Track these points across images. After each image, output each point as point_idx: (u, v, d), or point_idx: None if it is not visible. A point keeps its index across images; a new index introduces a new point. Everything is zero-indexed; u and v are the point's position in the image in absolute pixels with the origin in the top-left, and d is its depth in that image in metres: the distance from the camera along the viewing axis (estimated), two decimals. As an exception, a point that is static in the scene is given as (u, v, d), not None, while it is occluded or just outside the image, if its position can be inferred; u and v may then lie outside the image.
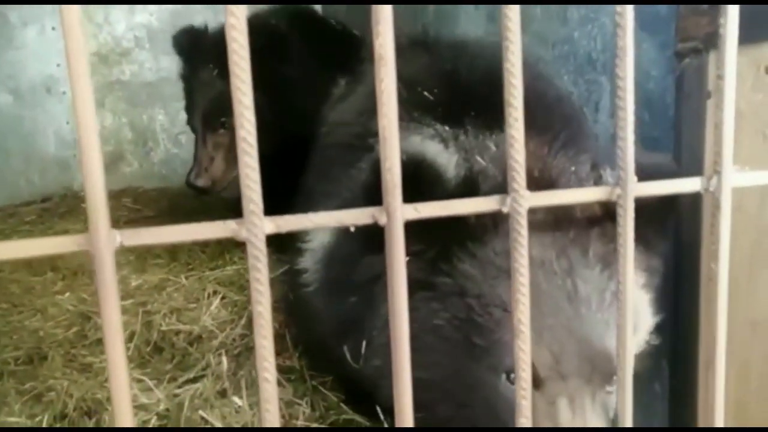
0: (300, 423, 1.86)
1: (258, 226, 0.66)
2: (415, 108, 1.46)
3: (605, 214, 1.19)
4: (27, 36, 4.37)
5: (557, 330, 1.15)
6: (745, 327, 1.24)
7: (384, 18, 0.66)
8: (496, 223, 1.19)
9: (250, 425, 1.85)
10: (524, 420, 0.79)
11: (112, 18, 4.59)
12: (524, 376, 0.79)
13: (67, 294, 2.85)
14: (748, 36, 1.14)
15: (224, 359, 2.07)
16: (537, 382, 1.14)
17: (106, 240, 0.61)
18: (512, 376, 1.13)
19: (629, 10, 0.75)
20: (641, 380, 1.56)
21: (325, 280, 1.48)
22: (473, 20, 2.60)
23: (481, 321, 1.18)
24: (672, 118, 1.60)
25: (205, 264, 3.09)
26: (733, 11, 0.86)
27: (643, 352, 1.40)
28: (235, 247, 3.37)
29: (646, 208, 1.18)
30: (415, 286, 1.21)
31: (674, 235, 1.40)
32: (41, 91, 4.50)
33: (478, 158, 1.29)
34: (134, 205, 4.17)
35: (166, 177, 4.79)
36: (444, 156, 1.19)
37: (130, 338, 2.39)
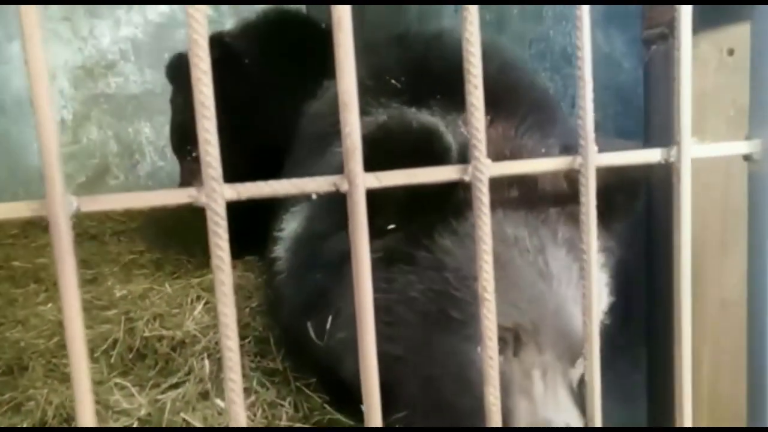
0: (283, 424, 1.84)
1: (217, 191, 0.66)
2: (382, 95, 1.47)
3: (574, 195, 1.21)
4: (12, 51, 4.38)
5: (534, 302, 1.17)
6: (716, 307, 1.24)
7: (338, -17, 0.67)
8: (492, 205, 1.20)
9: (232, 427, 1.82)
10: (492, 389, 0.79)
11: (97, 32, 4.61)
12: (490, 344, 0.79)
13: (50, 305, 2.82)
14: (711, 20, 1.17)
15: (206, 362, 2.05)
16: (516, 349, 1.15)
17: (62, 204, 0.61)
18: None
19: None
20: (619, 368, 1.57)
21: (294, 264, 1.49)
22: (456, 21, 2.64)
23: (458, 294, 1.19)
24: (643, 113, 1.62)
25: (191, 273, 3.07)
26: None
27: (603, 331, 1.41)
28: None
29: (607, 191, 1.20)
30: (393, 258, 1.23)
31: (645, 219, 1.41)
32: (26, 105, 4.48)
33: (463, 131, 1.30)
34: (120, 218, 4.15)
35: (152, 189, 4.75)
36: (448, 134, 1.17)
37: (112, 346, 2.36)
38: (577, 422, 1.11)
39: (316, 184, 0.73)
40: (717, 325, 1.24)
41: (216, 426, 1.82)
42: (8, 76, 4.38)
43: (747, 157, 0.94)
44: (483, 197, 0.76)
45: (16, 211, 0.61)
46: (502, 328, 1.10)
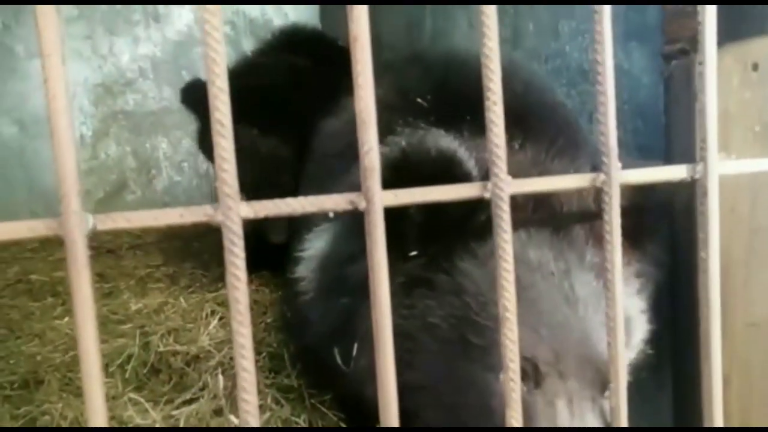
0: (297, 441, 1.82)
1: (233, 209, 0.66)
2: (408, 113, 1.46)
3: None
4: (32, 67, 4.47)
5: (556, 329, 1.13)
6: (744, 330, 1.21)
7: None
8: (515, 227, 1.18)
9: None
10: (514, 413, 0.77)
11: (116, 49, 4.68)
12: (512, 366, 0.77)
13: (66, 319, 2.84)
14: (734, 33, 1.15)
15: (221, 378, 2.04)
16: (538, 380, 1.12)
17: (78, 223, 0.61)
18: None
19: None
20: (644, 390, 1.52)
21: (320, 286, 1.46)
22: (468, 38, 2.64)
23: (479, 320, 1.16)
24: (663, 130, 1.60)
25: (206, 287, 3.07)
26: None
27: (643, 361, 1.36)
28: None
29: (639, 213, 1.17)
30: (413, 284, 1.20)
31: (670, 240, 1.38)
32: (45, 123, 4.54)
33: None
34: (136, 232, 4.17)
35: (168, 204, 4.83)
36: (467, 155, 1.14)
37: (127, 361, 2.36)
38: None
39: (333, 202, 0.72)
40: (745, 347, 1.20)
41: (230, 444, 1.80)
42: (28, 93, 4.46)
43: (775, 174, 0.91)
44: (503, 215, 0.75)
45: (32, 230, 0.61)
46: (524, 358, 1.05)
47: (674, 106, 1.31)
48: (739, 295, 1.21)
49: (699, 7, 0.81)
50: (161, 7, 4.75)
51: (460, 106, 1.40)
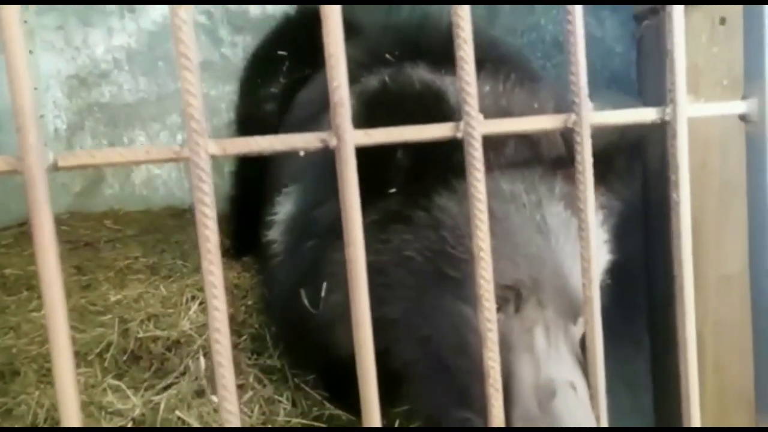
0: (281, 420, 1.81)
1: (201, 145, 0.64)
2: (374, 66, 1.46)
3: (570, 152, 1.22)
4: (2, 62, 4.37)
5: (532, 258, 1.15)
6: (717, 282, 1.22)
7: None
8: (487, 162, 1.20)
9: (228, 425, 1.79)
10: (491, 353, 0.77)
11: (90, 41, 4.60)
12: (487, 306, 0.76)
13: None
14: (702, -9, 1.15)
15: (202, 359, 2.02)
16: (518, 305, 1.13)
17: (38, 157, 0.59)
18: None
19: None
20: (623, 358, 1.54)
21: (289, 243, 1.46)
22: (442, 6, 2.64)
23: (455, 253, 1.17)
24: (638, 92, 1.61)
25: (186, 276, 3.04)
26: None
27: (605, 291, 1.39)
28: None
29: (605, 149, 1.19)
30: (389, 220, 1.21)
31: (640, 179, 1.40)
32: (9, 115, 4.48)
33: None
34: (115, 226, 4.12)
35: (147, 198, 4.76)
36: (451, 88, 1.13)
37: (106, 349, 2.32)
38: (580, 381, 1.08)
39: (304, 141, 0.71)
40: (718, 299, 1.21)
41: (212, 424, 1.78)
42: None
43: (743, 118, 0.92)
44: (476, 153, 0.75)
45: (-10, 164, 0.59)
46: (501, 286, 1.10)
47: (645, 65, 1.32)
48: (711, 249, 1.23)
49: (666, -53, 0.81)
50: (135, -3, 4.68)
51: (424, 54, 1.41)
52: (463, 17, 0.73)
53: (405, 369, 1.27)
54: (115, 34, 4.60)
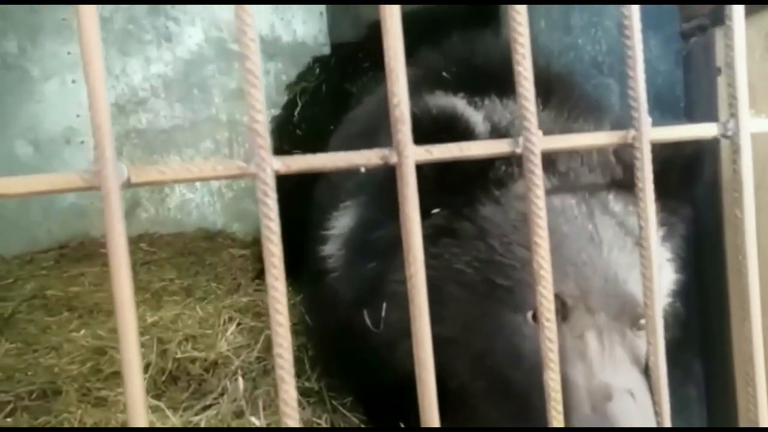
0: (319, 443, 1.79)
1: (266, 161, 0.65)
2: (432, 86, 1.47)
3: (623, 168, 1.24)
4: (47, 89, 4.54)
5: (581, 267, 1.14)
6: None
7: (386, -52, 0.66)
8: (522, 171, 1.21)
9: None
10: (552, 374, 0.75)
11: (128, 69, 4.76)
12: (548, 326, 0.75)
13: (83, 331, 2.83)
14: (753, 6, 1.14)
15: (241, 380, 2.02)
16: (565, 314, 1.12)
17: (113, 172, 0.61)
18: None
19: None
20: (673, 381, 1.49)
21: (347, 259, 1.46)
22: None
23: (503, 261, 1.18)
24: (683, 111, 1.59)
25: (221, 298, 3.07)
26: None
27: (672, 317, 1.35)
28: (250, 280, 3.36)
29: (665, 164, 1.18)
30: (437, 234, 1.21)
31: (695, 219, 1.36)
32: (60, 142, 4.63)
33: (504, 115, 1.32)
34: (150, 248, 4.19)
35: (181, 222, 4.85)
36: (471, 111, 1.18)
37: (145, 369, 2.34)
38: (639, 389, 1.05)
39: (364, 158, 0.71)
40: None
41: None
42: (43, 114, 4.53)
43: (807, 132, 0.90)
44: (535, 169, 0.74)
45: (68, 182, 0.61)
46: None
47: (694, 84, 1.30)
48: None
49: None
50: (172, 27, 4.83)
51: (482, 79, 1.44)
52: (522, 32, 0.74)
53: (462, 388, 1.25)
54: (152, 62, 4.75)
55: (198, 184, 5.05)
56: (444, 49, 1.83)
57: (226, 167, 0.66)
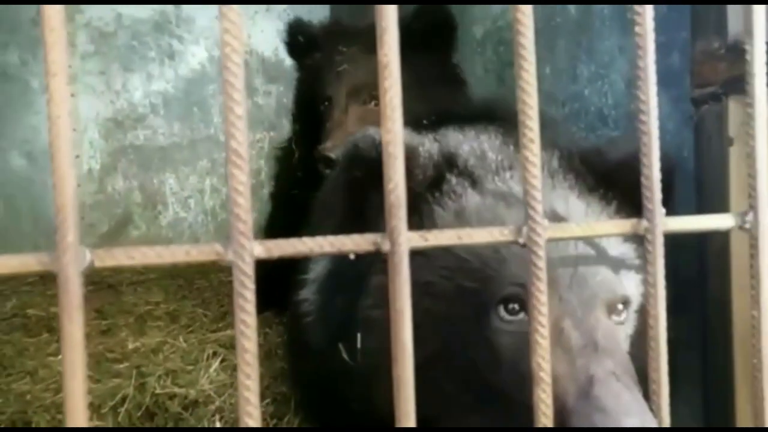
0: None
1: (246, 248, 0.59)
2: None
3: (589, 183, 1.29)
4: (44, 102, 4.50)
5: (550, 258, 1.09)
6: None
7: (389, 25, 0.61)
8: (474, 182, 1.26)
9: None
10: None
11: (129, 85, 4.72)
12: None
13: (60, 356, 2.74)
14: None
15: (218, 425, 1.94)
16: None
17: (73, 258, 0.55)
18: (510, 306, 1.14)
19: (648, 13, 0.71)
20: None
21: (321, 303, 1.42)
22: (482, 83, 2.63)
23: (469, 265, 1.18)
24: (690, 171, 1.55)
25: (206, 326, 2.98)
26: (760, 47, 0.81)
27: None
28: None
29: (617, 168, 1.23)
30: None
31: (702, 293, 1.31)
32: (55, 155, 4.57)
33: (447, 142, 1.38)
34: (138, 268, 4.10)
35: (172, 240, 4.77)
36: (416, 137, 1.26)
37: (121, 402, 2.26)
38: (624, 374, 1.01)
39: (354, 243, 0.65)
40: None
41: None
42: (41, 127, 4.48)
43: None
44: (539, 262, 0.68)
45: (24, 265, 0.55)
46: (516, 285, 1.11)
47: (706, 152, 1.26)
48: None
49: (747, 44, 0.76)
50: (176, 45, 4.81)
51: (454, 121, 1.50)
52: (531, 116, 0.69)
53: (454, 405, 1.22)
54: (154, 80, 4.72)
55: (192, 201, 5.00)
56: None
57: (200, 252, 0.60)
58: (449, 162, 1.29)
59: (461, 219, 1.23)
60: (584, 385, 1.00)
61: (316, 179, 2.47)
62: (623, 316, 1.18)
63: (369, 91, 2.95)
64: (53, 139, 0.53)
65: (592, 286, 1.14)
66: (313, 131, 3.02)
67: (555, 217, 1.16)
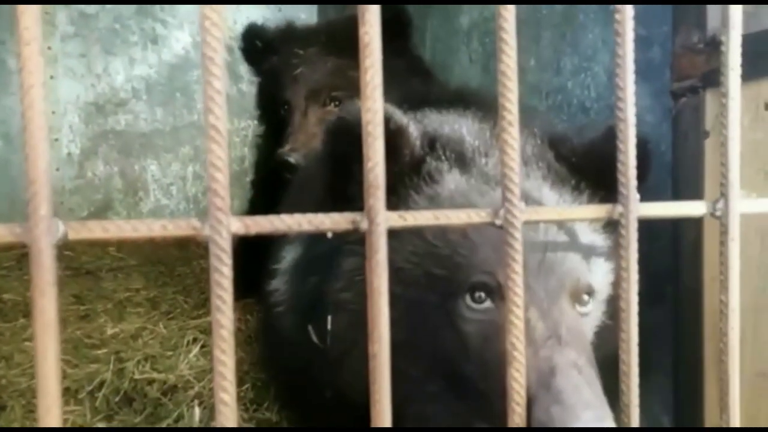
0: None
1: (223, 223, 0.59)
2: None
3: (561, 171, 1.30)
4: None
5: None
6: (753, 380, 1.15)
7: (372, 5, 0.61)
8: (450, 166, 1.26)
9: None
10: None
11: (111, 69, 4.65)
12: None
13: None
14: (746, 73, 1.11)
15: (197, 410, 1.93)
16: (502, 294, 1.09)
17: (46, 229, 0.54)
18: (476, 294, 1.14)
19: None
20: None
21: (292, 292, 1.42)
22: (467, 72, 2.63)
23: (440, 251, 1.18)
24: (668, 163, 1.57)
25: (187, 313, 2.97)
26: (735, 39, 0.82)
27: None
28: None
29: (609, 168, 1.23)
30: None
31: (675, 283, 1.33)
32: (34, 138, 4.49)
33: (437, 121, 1.39)
34: (118, 254, 4.06)
35: (154, 227, 4.72)
36: (400, 114, 1.23)
37: (99, 387, 2.24)
38: (586, 365, 1.03)
39: (332, 221, 0.66)
40: (754, 398, 1.14)
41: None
42: (16, 107, 4.39)
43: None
44: (516, 244, 0.69)
45: (-6, 234, 0.54)
46: (484, 272, 1.12)
47: (682, 144, 1.28)
48: (747, 343, 1.16)
49: (723, 37, 0.78)
50: (159, 29, 4.74)
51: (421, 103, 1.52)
52: (510, 98, 0.69)
53: (419, 392, 1.23)
54: (136, 64, 4.65)
55: (174, 189, 4.95)
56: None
57: (177, 227, 0.60)
58: (431, 144, 1.29)
59: (435, 203, 1.23)
60: (546, 375, 1.02)
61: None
62: (588, 306, 1.19)
63: (328, 93, 2.96)
64: (26, 110, 0.53)
65: (558, 275, 1.15)
66: (277, 135, 3.00)
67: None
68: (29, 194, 0.54)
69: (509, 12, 0.69)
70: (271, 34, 3.27)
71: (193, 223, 0.60)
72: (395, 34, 2.60)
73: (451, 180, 1.25)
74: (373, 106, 0.63)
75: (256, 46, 3.29)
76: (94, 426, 2.05)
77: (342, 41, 2.88)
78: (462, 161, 1.28)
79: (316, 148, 2.85)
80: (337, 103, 2.95)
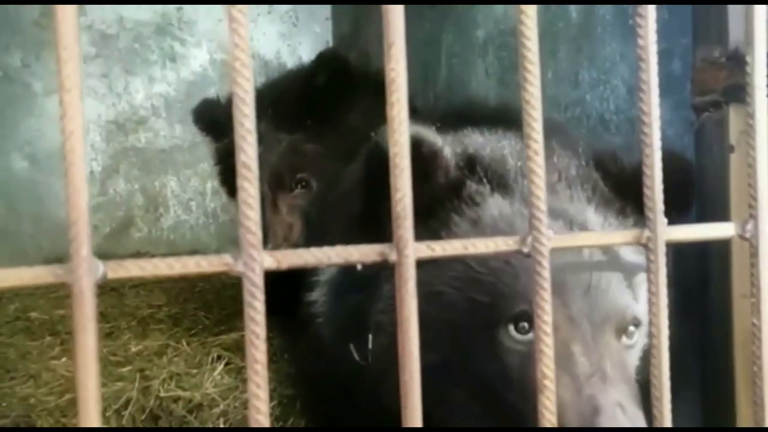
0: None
1: (256, 259, 0.60)
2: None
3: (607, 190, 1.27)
4: (48, 104, 4.51)
5: (559, 276, 1.08)
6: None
7: (397, 39, 0.62)
8: (492, 189, 1.24)
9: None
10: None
11: (131, 88, 4.73)
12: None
13: (64, 359, 2.76)
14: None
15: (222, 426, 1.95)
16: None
17: (87, 270, 0.56)
18: (520, 324, 1.11)
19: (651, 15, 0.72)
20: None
21: (333, 305, 1.43)
22: (485, 87, 2.63)
23: (481, 277, 1.16)
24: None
25: (209, 330, 3.00)
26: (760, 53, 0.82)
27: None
28: (239, 312, 3.28)
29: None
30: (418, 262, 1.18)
31: (703, 302, 1.31)
32: (58, 158, 4.54)
33: (473, 142, 1.36)
34: (141, 270, 4.11)
35: (174, 243, 4.79)
36: (436, 135, 1.22)
37: (125, 406, 2.27)
38: (630, 404, 1.01)
39: (361, 254, 0.66)
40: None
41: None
42: (43, 129, 4.50)
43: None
44: (543, 272, 0.69)
45: (37, 277, 0.56)
46: (527, 301, 1.08)
47: (706, 159, 1.27)
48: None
49: (748, 57, 0.77)
50: (177, 47, 4.82)
51: (461, 122, 1.49)
52: (535, 127, 0.70)
53: (459, 418, 1.21)
54: (156, 82, 4.73)
55: (193, 204, 5.01)
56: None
57: (211, 263, 0.61)
58: (470, 166, 1.26)
59: (478, 227, 1.20)
60: (589, 416, 1.00)
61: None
62: (634, 338, 1.16)
63: (291, 176, 2.78)
64: (67, 154, 0.54)
65: (604, 307, 1.11)
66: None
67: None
68: (70, 235, 0.55)
69: (530, 18, 0.70)
70: (220, 110, 3.01)
71: (226, 259, 0.61)
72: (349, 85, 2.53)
73: (494, 204, 1.23)
74: (400, 139, 0.64)
75: (209, 124, 3.10)
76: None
77: (289, 112, 2.73)
78: (504, 184, 1.25)
79: (296, 238, 2.72)
80: (303, 184, 2.78)
